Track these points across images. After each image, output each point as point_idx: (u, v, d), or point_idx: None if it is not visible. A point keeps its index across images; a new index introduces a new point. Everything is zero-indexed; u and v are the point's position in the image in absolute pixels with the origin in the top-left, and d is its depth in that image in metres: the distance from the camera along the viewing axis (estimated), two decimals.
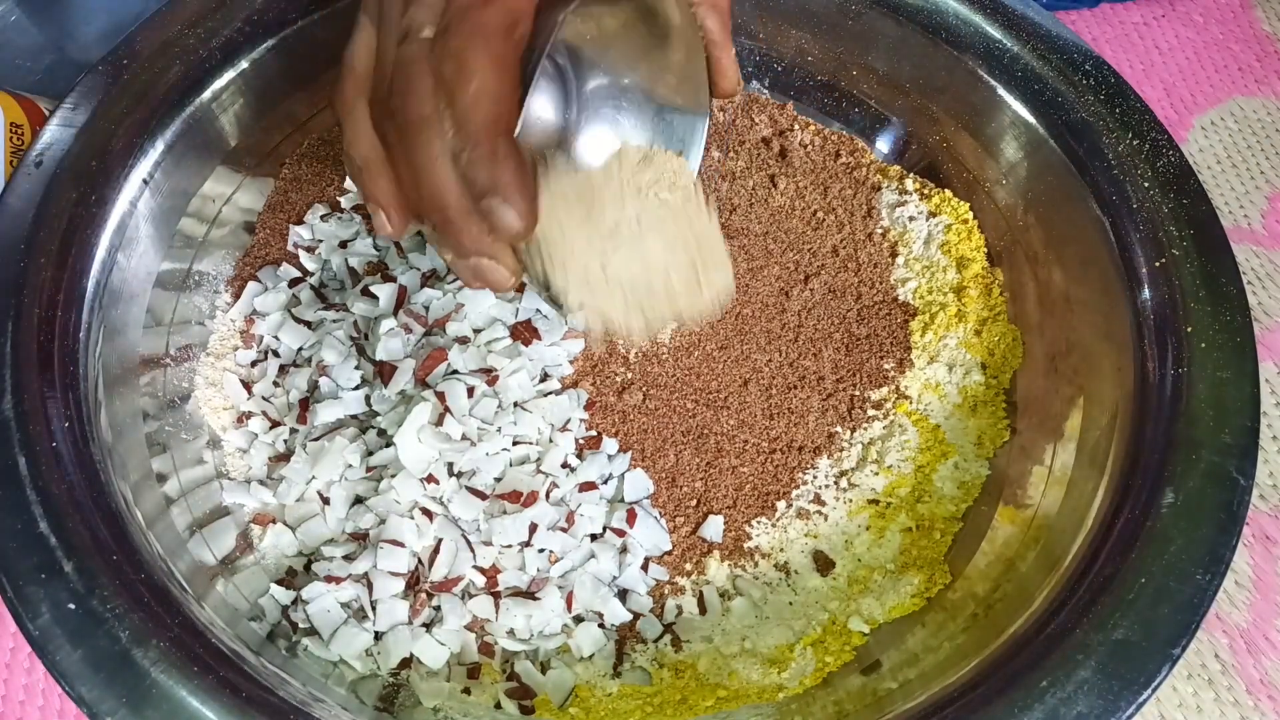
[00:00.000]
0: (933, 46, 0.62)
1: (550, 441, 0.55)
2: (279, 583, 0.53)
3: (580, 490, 0.54)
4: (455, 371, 0.54)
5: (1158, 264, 0.52)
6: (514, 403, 0.55)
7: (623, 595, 0.54)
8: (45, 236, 0.51)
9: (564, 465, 0.55)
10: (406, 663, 0.51)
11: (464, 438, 0.52)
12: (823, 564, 0.56)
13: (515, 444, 0.54)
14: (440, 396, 0.52)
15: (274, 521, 0.55)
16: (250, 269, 0.62)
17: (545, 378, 0.57)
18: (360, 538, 0.53)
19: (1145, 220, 0.54)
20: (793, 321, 0.62)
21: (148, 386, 0.55)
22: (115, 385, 0.52)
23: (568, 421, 0.56)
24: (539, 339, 0.56)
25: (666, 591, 0.55)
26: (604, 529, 0.55)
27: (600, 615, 0.53)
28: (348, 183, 0.64)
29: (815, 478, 0.58)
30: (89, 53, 0.75)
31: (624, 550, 0.54)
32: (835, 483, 0.58)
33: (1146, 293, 0.52)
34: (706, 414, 0.58)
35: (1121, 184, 0.55)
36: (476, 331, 0.56)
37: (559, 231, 0.41)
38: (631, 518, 0.54)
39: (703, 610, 0.55)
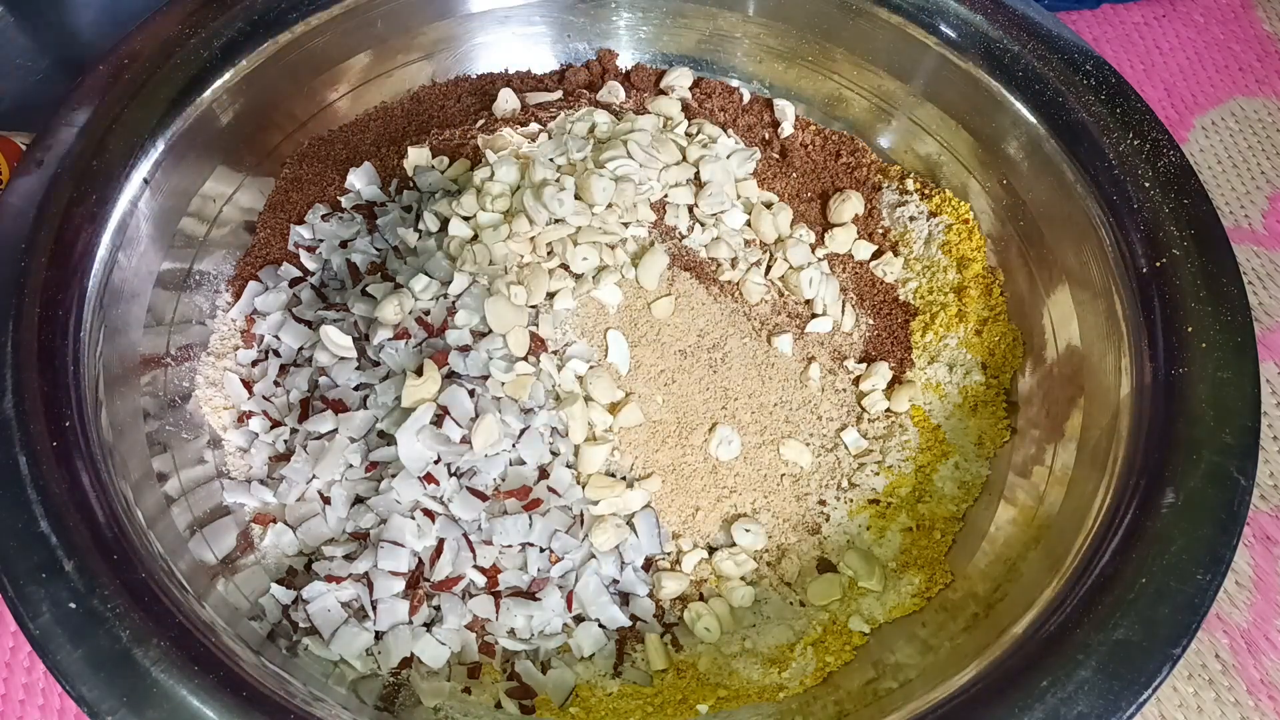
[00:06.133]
0: (933, 46, 0.62)
1: (552, 444, 0.55)
2: (279, 582, 0.53)
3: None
4: (456, 374, 0.54)
5: (1158, 264, 0.52)
6: (517, 406, 0.55)
7: (623, 596, 0.54)
8: (46, 236, 0.51)
9: (567, 466, 0.55)
10: (407, 662, 0.51)
11: (464, 440, 0.52)
12: (823, 564, 0.56)
13: (516, 445, 0.54)
14: (441, 399, 0.52)
15: (274, 521, 0.55)
16: (251, 268, 0.62)
17: (548, 380, 0.57)
18: (361, 537, 0.53)
19: (1145, 220, 0.54)
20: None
21: (148, 386, 0.55)
22: (116, 385, 0.52)
23: (570, 424, 0.56)
24: (544, 348, 0.56)
25: (667, 592, 0.55)
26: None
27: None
28: (348, 182, 0.64)
29: (816, 478, 0.58)
30: (89, 53, 0.75)
31: (624, 552, 0.54)
32: (836, 483, 0.58)
33: (1147, 293, 0.52)
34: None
35: (1122, 184, 0.55)
36: (478, 336, 0.56)
37: None
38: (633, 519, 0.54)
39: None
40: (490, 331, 0.55)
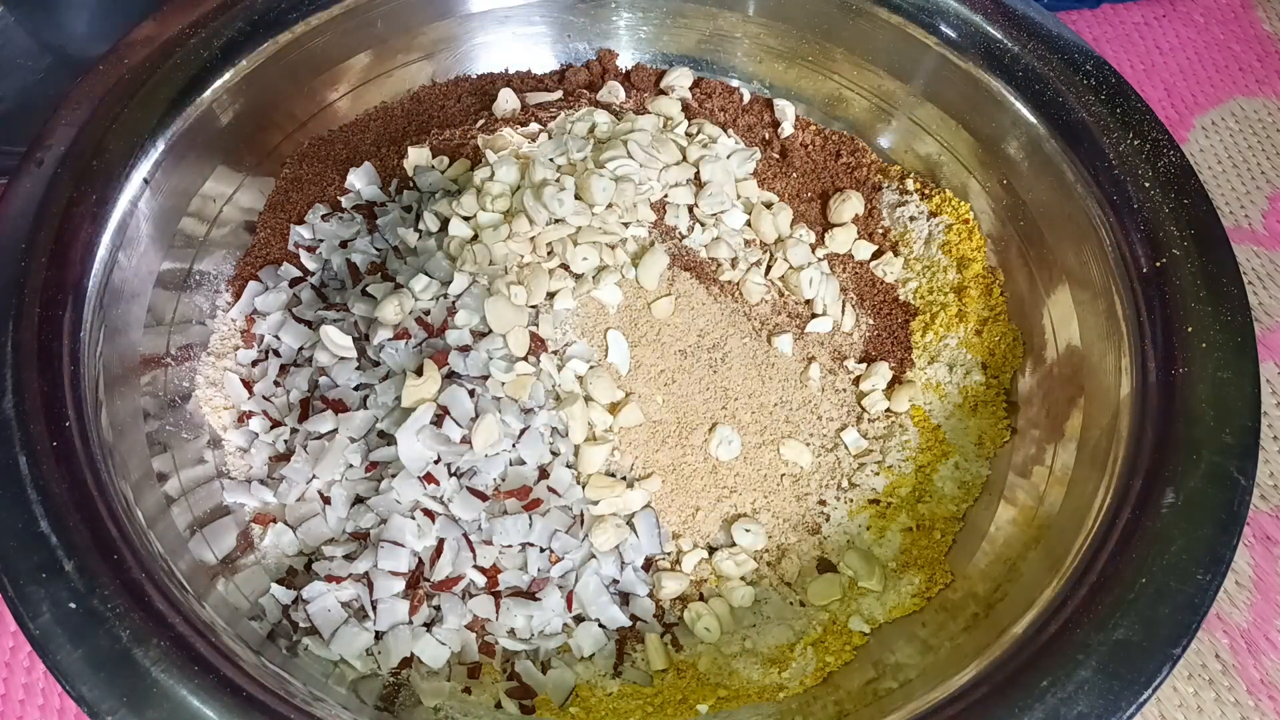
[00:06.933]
0: (933, 46, 0.62)
1: (552, 444, 0.55)
2: (279, 582, 0.53)
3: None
4: (456, 374, 0.54)
5: (1158, 264, 0.52)
6: (517, 406, 0.55)
7: (623, 596, 0.54)
8: (46, 236, 0.51)
9: (567, 466, 0.55)
10: (407, 662, 0.51)
11: (464, 440, 0.52)
12: (823, 564, 0.56)
13: (516, 445, 0.54)
14: (441, 399, 0.52)
15: (275, 521, 0.55)
16: (251, 268, 0.62)
17: (548, 380, 0.57)
18: (361, 537, 0.53)
19: (1145, 220, 0.54)
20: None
21: (148, 386, 0.55)
22: (116, 384, 0.52)
23: (570, 424, 0.56)
24: (544, 348, 0.56)
25: (667, 592, 0.55)
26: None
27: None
28: (348, 182, 0.64)
29: (816, 478, 0.58)
30: (89, 53, 0.75)
31: (624, 552, 0.54)
32: (836, 483, 0.58)
33: (1147, 293, 0.52)
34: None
35: (1122, 184, 0.55)
36: (478, 336, 0.56)
37: None
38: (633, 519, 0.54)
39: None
40: (490, 331, 0.55)
